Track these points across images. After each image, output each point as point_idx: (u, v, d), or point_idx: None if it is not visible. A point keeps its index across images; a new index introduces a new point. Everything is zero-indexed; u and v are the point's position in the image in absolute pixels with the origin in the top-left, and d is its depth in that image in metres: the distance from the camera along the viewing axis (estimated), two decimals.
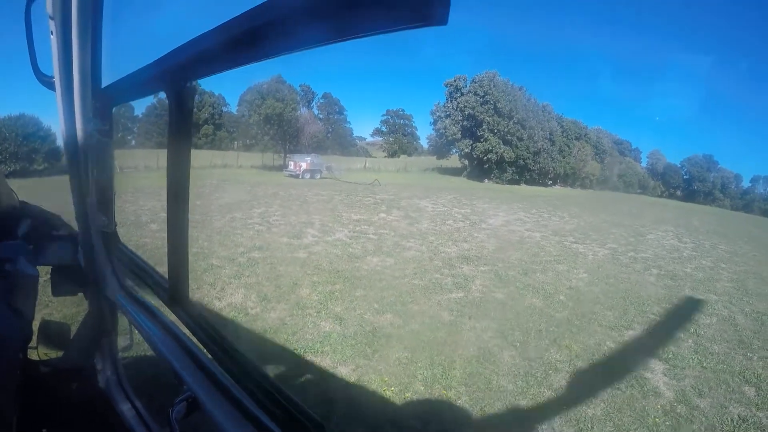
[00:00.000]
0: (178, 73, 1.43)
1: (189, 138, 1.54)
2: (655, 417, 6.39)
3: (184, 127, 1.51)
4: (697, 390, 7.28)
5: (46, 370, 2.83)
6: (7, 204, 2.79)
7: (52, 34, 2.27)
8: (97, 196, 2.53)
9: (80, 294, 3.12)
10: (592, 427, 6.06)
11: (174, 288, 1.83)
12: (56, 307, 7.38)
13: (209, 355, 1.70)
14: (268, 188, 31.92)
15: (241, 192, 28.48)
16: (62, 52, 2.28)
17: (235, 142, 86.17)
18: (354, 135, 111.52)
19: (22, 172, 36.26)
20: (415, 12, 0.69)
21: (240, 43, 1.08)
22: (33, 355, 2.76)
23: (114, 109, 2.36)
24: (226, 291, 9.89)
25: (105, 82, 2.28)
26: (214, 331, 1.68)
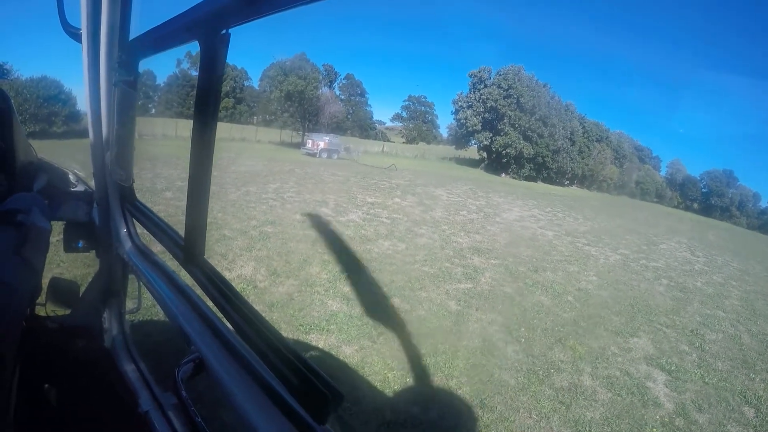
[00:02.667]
0: (212, 21, 1.40)
1: (218, 90, 1.51)
2: (653, 428, 6.36)
3: (215, 78, 1.48)
4: (697, 405, 7.23)
5: (53, 326, 2.83)
6: (24, 158, 2.79)
7: None
8: (117, 149, 2.51)
9: (92, 252, 3.13)
10: (590, 430, 6.05)
11: (190, 246, 1.81)
12: (67, 267, 7.46)
13: (221, 317, 1.67)
14: (284, 165, 31.97)
15: (257, 166, 28.55)
16: (92, 3, 2.26)
17: (255, 117, 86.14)
18: (374, 118, 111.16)
19: (42, 134, 36.46)
20: None
21: None
22: (41, 311, 2.77)
23: (144, 66, 2.34)
24: (236, 263, 9.94)
25: (133, 34, 2.26)
26: (229, 290, 1.63)
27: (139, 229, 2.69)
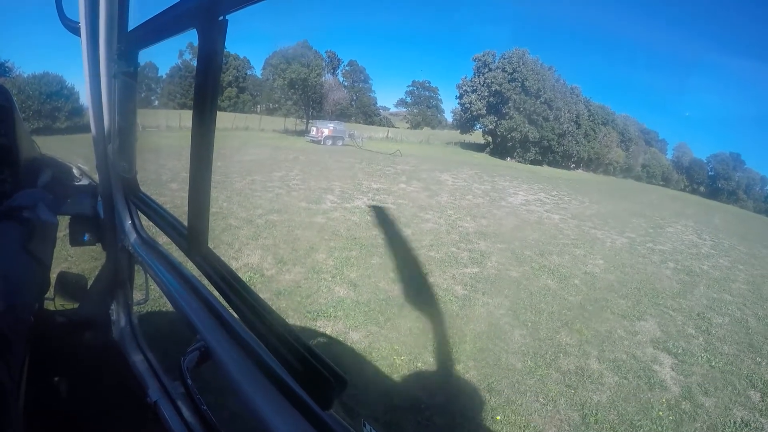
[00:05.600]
0: (209, 8, 1.39)
1: (218, 78, 1.50)
2: (659, 411, 6.38)
3: (214, 66, 1.47)
4: (703, 388, 7.25)
5: (61, 320, 2.86)
6: (28, 155, 2.80)
7: None
8: (118, 140, 2.52)
9: (98, 246, 3.15)
10: (597, 413, 6.08)
11: (193, 235, 1.81)
12: (75, 262, 7.51)
13: (226, 305, 1.68)
14: (289, 153, 31.97)
15: (262, 155, 28.55)
16: None
17: (258, 106, 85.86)
18: (378, 104, 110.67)
19: (46, 130, 36.47)
20: None
21: None
22: (50, 305, 2.79)
23: (143, 57, 2.34)
24: (242, 251, 9.99)
25: (132, 25, 2.26)
26: (233, 279, 1.63)
27: (144, 220, 2.70)
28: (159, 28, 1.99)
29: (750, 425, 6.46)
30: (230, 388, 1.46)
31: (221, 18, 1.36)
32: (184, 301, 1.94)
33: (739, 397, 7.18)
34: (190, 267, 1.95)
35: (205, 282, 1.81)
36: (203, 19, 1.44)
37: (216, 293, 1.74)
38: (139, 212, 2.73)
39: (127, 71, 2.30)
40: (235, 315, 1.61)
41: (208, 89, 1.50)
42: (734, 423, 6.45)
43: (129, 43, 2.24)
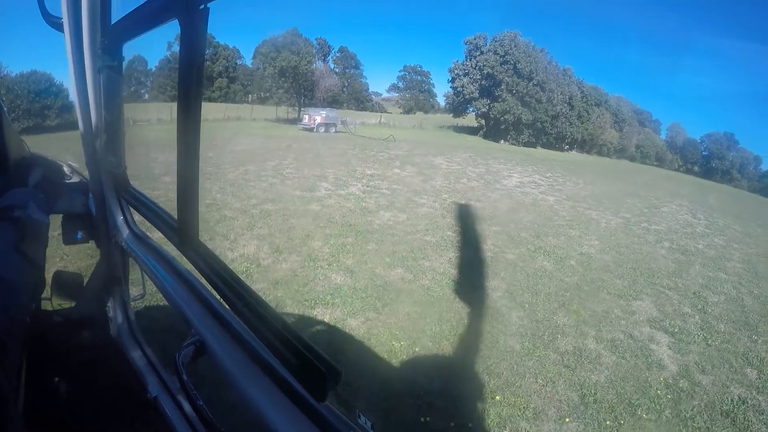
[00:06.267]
0: None
1: (202, 67, 1.47)
2: (657, 389, 6.43)
3: (197, 56, 1.44)
4: (700, 366, 7.31)
5: (59, 319, 2.85)
6: (18, 154, 2.77)
7: None
8: (106, 136, 2.49)
9: (91, 243, 3.12)
10: (596, 393, 6.12)
11: (183, 228, 1.79)
12: (71, 260, 7.47)
13: (220, 299, 1.67)
14: (282, 141, 31.82)
15: (254, 144, 28.41)
16: None
17: (250, 96, 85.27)
18: (370, 90, 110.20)
19: (36, 128, 36.22)
20: None
21: None
22: (47, 305, 2.78)
23: (126, 58, 2.31)
24: (238, 242, 9.95)
25: (114, 19, 2.22)
26: (226, 272, 1.63)
27: (137, 216, 2.68)
28: (141, 20, 1.95)
29: (747, 402, 6.52)
30: (226, 382, 1.46)
31: (202, 7, 1.33)
32: (178, 295, 1.93)
33: (736, 375, 7.25)
34: (184, 261, 1.93)
35: (199, 275, 1.80)
36: (184, 9, 1.41)
37: (209, 287, 1.73)
38: (130, 207, 2.71)
39: (112, 65, 2.27)
40: (229, 308, 1.60)
41: (192, 80, 1.48)
42: (732, 400, 6.50)
43: (112, 36, 2.20)
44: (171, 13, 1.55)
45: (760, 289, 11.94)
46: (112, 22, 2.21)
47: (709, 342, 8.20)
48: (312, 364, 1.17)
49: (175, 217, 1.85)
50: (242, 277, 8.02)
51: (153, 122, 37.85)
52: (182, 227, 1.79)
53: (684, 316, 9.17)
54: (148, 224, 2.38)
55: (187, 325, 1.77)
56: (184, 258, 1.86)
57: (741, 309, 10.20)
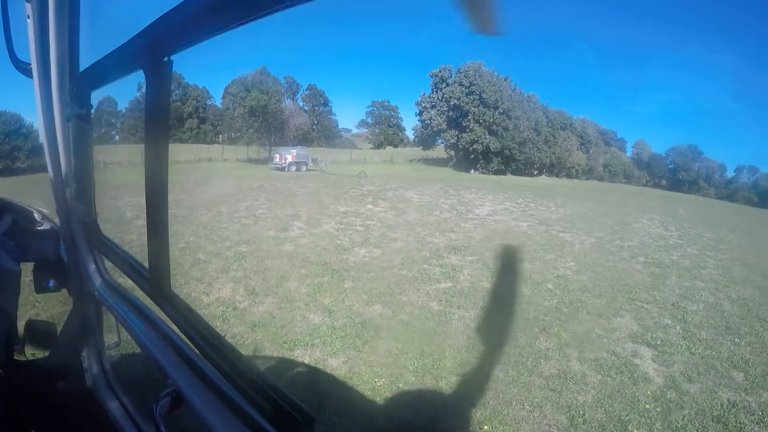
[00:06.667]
0: (154, 49, 1.39)
1: (167, 117, 1.50)
2: (645, 403, 6.41)
3: (161, 105, 1.46)
4: (686, 376, 7.33)
5: (33, 370, 2.79)
6: None
7: (28, 18, 2.20)
8: (76, 185, 2.46)
9: (64, 291, 3.05)
10: (584, 414, 6.07)
11: (155, 279, 1.79)
12: (43, 307, 7.27)
13: (195, 349, 1.64)
14: (253, 181, 31.74)
15: (226, 186, 28.31)
16: (39, 36, 2.21)
17: (220, 136, 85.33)
18: (339, 127, 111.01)
19: (6, 171, 35.85)
20: None
21: (213, 8, 1.02)
22: (20, 356, 2.71)
23: (96, 97, 2.30)
24: (213, 286, 9.79)
25: (83, 65, 2.22)
26: (198, 322, 1.63)
27: (109, 263, 2.64)
28: (108, 70, 2.01)
29: (737, 405, 6.56)
30: None
31: (166, 59, 1.36)
32: (152, 344, 1.91)
33: (723, 380, 7.30)
34: (158, 309, 1.90)
35: (173, 324, 1.77)
36: (148, 61, 1.44)
37: (184, 336, 1.71)
38: (102, 256, 2.67)
39: (81, 114, 2.28)
40: (204, 358, 1.59)
41: (159, 128, 1.51)
42: (721, 405, 6.54)
43: (81, 84, 2.23)
44: (136, 64, 1.60)
45: (738, 293, 12.18)
46: (81, 70, 2.21)
47: (693, 350, 8.25)
48: (287, 413, 1.17)
49: (147, 266, 1.83)
50: (219, 320, 7.95)
51: (124, 164, 37.52)
52: (153, 277, 1.80)
53: (665, 328, 9.23)
54: (120, 271, 2.35)
55: (163, 375, 1.74)
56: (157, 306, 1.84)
57: (721, 314, 10.35)
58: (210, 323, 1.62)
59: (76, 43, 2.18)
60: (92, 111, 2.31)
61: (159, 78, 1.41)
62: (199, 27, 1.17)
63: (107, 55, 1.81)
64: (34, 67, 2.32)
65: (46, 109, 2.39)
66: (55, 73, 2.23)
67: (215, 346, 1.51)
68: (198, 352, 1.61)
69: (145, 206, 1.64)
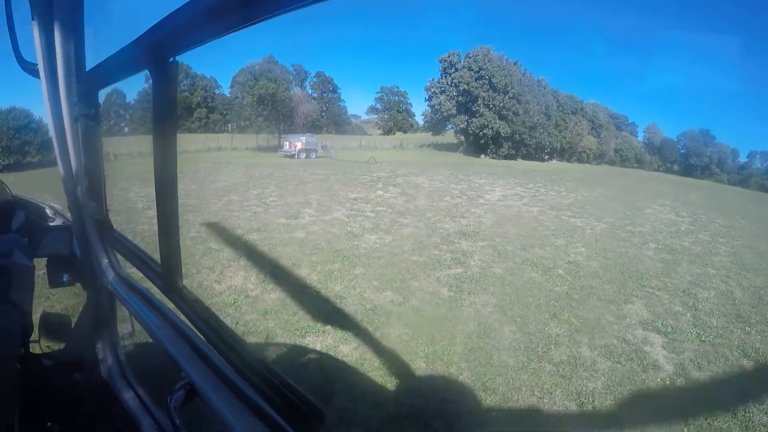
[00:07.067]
0: (159, 50, 1.39)
1: (174, 117, 1.52)
2: (655, 390, 6.43)
3: (168, 105, 1.48)
4: (696, 363, 7.32)
5: (49, 363, 2.84)
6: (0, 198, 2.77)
7: (33, 19, 2.22)
8: (87, 182, 2.50)
9: (78, 284, 3.10)
10: (593, 400, 6.10)
11: (167, 274, 1.82)
12: (57, 299, 7.36)
13: (207, 342, 1.68)
14: (263, 169, 31.79)
15: (236, 174, 28.37)
16: (44, 37, 2.22)
17: (229, 125, 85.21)
18: (348, 113, 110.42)
19: (17, 166, 36.06)
20: None
21: (219, 10, 1.03)
22: (35, 348, 2.76)
23: (103, 96, 2.32)
24: (225, 274, 9.85)
25: (89, 65, 2.23)
26: (210, 317, 1.66)
27: (121, 257, 2.67)
28: (114, 70, 2.02)
29: (747, 393, 6.53)
30: (218, 424, 1.45)
31: (171, 60, 1.37)
32: (165, 338, 1.94)
33: (733, 368, 7.28)
34: (169, 302, 1.93)
35: (185, 318, 1.81)
36: (154, 62, 1.44)
37: (196, 330, 1.75)
38: (115, 251, 2.71)
39: (89, 113, 2.29)
40: (216, 351, 1.62)
41: (167, 127, 1.52)
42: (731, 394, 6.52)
43: (88, 83, 2.24)
44: (142, 64, 1.60)
45: (749, 281, 12.08)
46: (87, 69, 2.23)
47: (703, 338, 8.23)
48: (297, 407, 1.21)
49: (158, 260, 1.87)
50: (231, 308, 8.03)
51: (134, 155, 37.70)
52: (166, 272, 1.82)
53: (676, 315, 9.21)
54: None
55: (177, 367, 1.77)
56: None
57: (732, 302, 10.29)
58: (221, 317, 1.65)
59: (81, 43, 2.19)
60: (100, 108, 2.33)
61: (165, 79, 1.42)
62: (204, 28, 1.17)
63: (113, 55, 1.81)
64: (40, 67, 2.33)
65: (54, 108, 2.40)
66: (62, 73, 2.24)
67: (226, 341, 1.54)
68: (210, 345, 1.65)
69: (155, 202, 1.67)
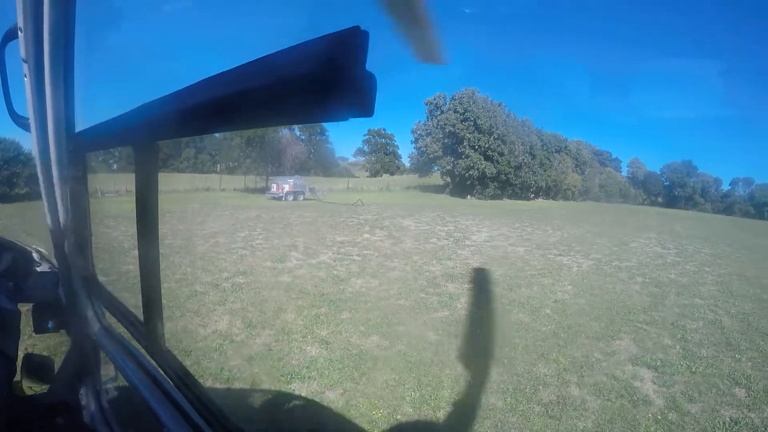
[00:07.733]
0: (143, 133, 1.43)
1: (155, 194, 1.55)
2: (646, 426, 6.37)
3: (150, 183, 1.52)
4: (687, 396, 7.29)
5: (31, 406, 2.80)
6: None
7: (25, 77, 2.26)
8: (74, 239, 2.51)
9: (62, 332, 3.09)
10: None
11: (150, 333, 1.83)
12: (40, 338, 7.24)
13: (189, 404, 1.69)
14: (251, 211, 31.80)
15: (224, 216, 28.33)
16: (36, 96, 2.26)
17: (218, 165, 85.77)
18: (336, 155, 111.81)
19: (4, 198, 35.88)
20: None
21: (206, 110, 1.05)
22: (17, 389, 2.73)
23: (91, 160, 2.36)
24: (210, 318, 9.74)
25: (79, 125, 2.27)
26: (193, 383, 1.68)
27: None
28: (102, 138, 2.05)
29: (740, 422, 6.52)
30: None
31: (154, 144, 1.45)
32: (147, 391, 1.93)
33: (725, 397, 7.27)
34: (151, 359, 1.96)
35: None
36: (138, 141, 1.50)
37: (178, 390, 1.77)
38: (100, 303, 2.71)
39: (76, 176, 2.32)
40: (198, 415, 1.63)
41: (148, 209, 1.58)
42: (724, 423, 6.49)
43: (77, 144, 2.26)
44: (127, 140, 1.66)
45: (737, 308, 12.21)
46: (77, 130, 2.26)
47: (693, 369, 8.22)
48: None
49: (142, 319, 1.89)
50: (216, 353, 7.92)
51: (122, 193, 37.63)
52: (149, 332, 1.84)
53: (665, 348, 9.20)
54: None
55: (158, 423, 1.76)
56: None
57: (720, 331, 10.35)
58: (202, 380, 1.68)
59: (71, 105, 2.22)
60: (87, 172, 2.36)
61: (147, 160, 1.47)
62: (187, 124, 1.18)
63: (101, 124, 1.83)
64: (31, 122, 2.37)
65: (43, 164, 2.43)
66: (52, 132, 2.26)
67: (207, 406, 1.56)
68: (192, 407, 1.65)
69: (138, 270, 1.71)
